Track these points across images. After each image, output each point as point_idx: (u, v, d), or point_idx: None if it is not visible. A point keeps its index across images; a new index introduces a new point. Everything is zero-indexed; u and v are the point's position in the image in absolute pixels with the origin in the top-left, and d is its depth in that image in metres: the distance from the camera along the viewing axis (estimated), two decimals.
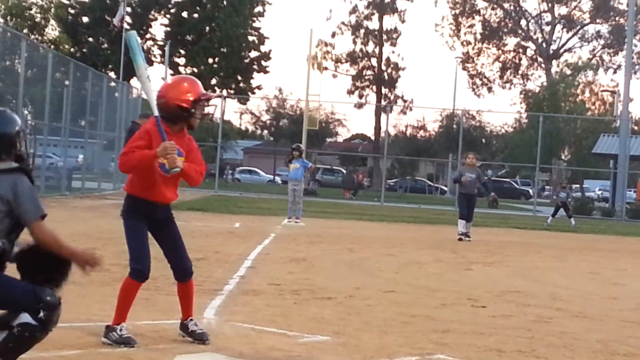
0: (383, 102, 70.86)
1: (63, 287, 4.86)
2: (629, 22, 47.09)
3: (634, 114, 71.35)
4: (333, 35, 74.34)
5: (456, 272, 13.03)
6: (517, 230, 25.45)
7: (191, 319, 6.54)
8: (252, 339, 6.78)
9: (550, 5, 75.98)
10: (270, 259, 13.01)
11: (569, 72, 71.09)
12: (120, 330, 6.21)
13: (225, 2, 66.63)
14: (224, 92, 62.53)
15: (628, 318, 9.13)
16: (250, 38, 68.31)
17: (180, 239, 6.49)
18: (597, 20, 75.94)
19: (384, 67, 73.74)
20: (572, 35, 76.60)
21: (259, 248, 14.51)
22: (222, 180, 54.73)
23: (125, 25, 44.33)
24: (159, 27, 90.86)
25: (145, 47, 67.84)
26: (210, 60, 66.49)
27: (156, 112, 6.25)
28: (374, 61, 74.21)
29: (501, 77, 77.98)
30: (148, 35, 68.15)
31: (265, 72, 69.11)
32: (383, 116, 65.71)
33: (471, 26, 77.85)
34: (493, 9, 77.29)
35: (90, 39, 64.60)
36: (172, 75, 62.76)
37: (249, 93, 67.88)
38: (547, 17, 76.66)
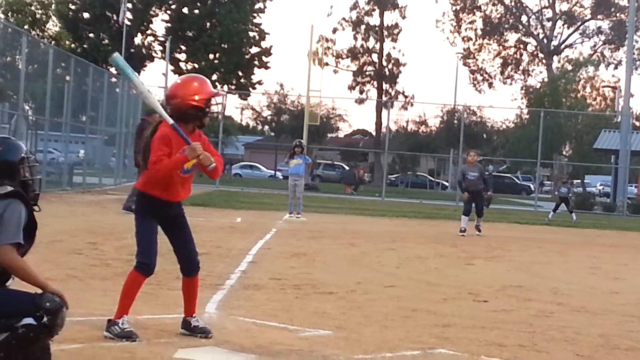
0: (384, 98, 70.88)
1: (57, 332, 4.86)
2: (630, 18, 47.02)
3: (635, 109, 71.46)
4: (334, 31, 74.29)
5: (457, 266, 13.03)
6: (518, 226, 25.42)
7: (194, 316, 6.56)
8: (254, 333, 6.79)
9: (551, 1, 75.91)
10: (272, 254, 13.01)
11: (570, 67, 71.00)
12: (122, 324, 6.22)
13: None
14: (225, 88, 62.41)
15: (629, 312, 9.14)
16: (251, 34, 68.19)
17: (190, 234, 6.53)
18: (598, 16, 75.86)
19: (384, 63, 73.66)
20: (573, 31, 76.56)
21: (261, 243, 14.51)
22: (224, 176, 54.72)
23: (127, 22, 44.27)
24: (159, 23, 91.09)
25: (145, 43, 67.84)
26: (211, 56, 66.39)
27: (170, 120, 6.22)
28: (374, 57, 74.11)
29: (502, 72, 77.90)
30: (149, 31, 68.10)
31: (266, 67, 68.99)
32: (384, 112, 65.78)
33: (472, 22, 77.78)
34: (494, 4, 77.17)
35: (91, 35, 64.53)
36: (172, 71, 62.88)
37: (250, 89, 67.78)
38: (548, 13, 76.59)
